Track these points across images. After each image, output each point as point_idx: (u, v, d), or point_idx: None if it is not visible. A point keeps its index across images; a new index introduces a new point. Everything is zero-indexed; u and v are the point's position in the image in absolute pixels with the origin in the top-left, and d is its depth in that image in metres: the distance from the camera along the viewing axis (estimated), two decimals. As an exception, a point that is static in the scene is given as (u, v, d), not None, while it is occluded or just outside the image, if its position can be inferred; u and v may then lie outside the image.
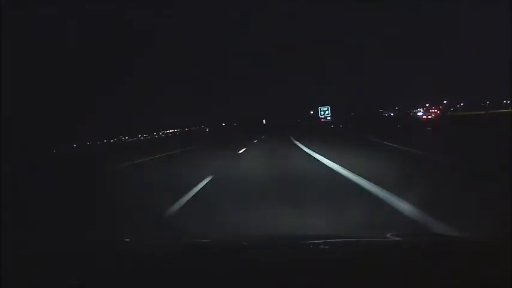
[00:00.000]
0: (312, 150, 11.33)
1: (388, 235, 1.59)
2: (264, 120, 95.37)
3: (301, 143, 15.55)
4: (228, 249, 1.50)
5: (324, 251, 1.43)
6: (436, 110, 77.53)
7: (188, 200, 4.70)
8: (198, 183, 5.97)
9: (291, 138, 22.28)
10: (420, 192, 3.90)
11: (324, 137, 21.09)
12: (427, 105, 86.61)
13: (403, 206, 3.54)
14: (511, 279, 0.93)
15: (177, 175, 8.41)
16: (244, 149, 15.29)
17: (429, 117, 60.14)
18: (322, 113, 49.12)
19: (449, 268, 1.07)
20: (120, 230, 3.38)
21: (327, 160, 8.10)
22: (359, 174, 5.57)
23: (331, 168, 6.90)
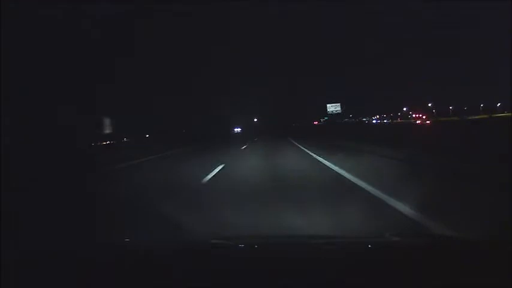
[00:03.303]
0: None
1: (388, 235, 1.59)
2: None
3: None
4: (228, 249, 1.50)
5: (324, 251, 1.43)
6: (422, 115, 77.48)
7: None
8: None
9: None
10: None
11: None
12: (405, 109, 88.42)
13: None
14: (511, 279, 0.93)
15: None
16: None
17: (427, 122, 60.10)
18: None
19: (449, 268, 1.07)
20: (120, 229, 3.38)
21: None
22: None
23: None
